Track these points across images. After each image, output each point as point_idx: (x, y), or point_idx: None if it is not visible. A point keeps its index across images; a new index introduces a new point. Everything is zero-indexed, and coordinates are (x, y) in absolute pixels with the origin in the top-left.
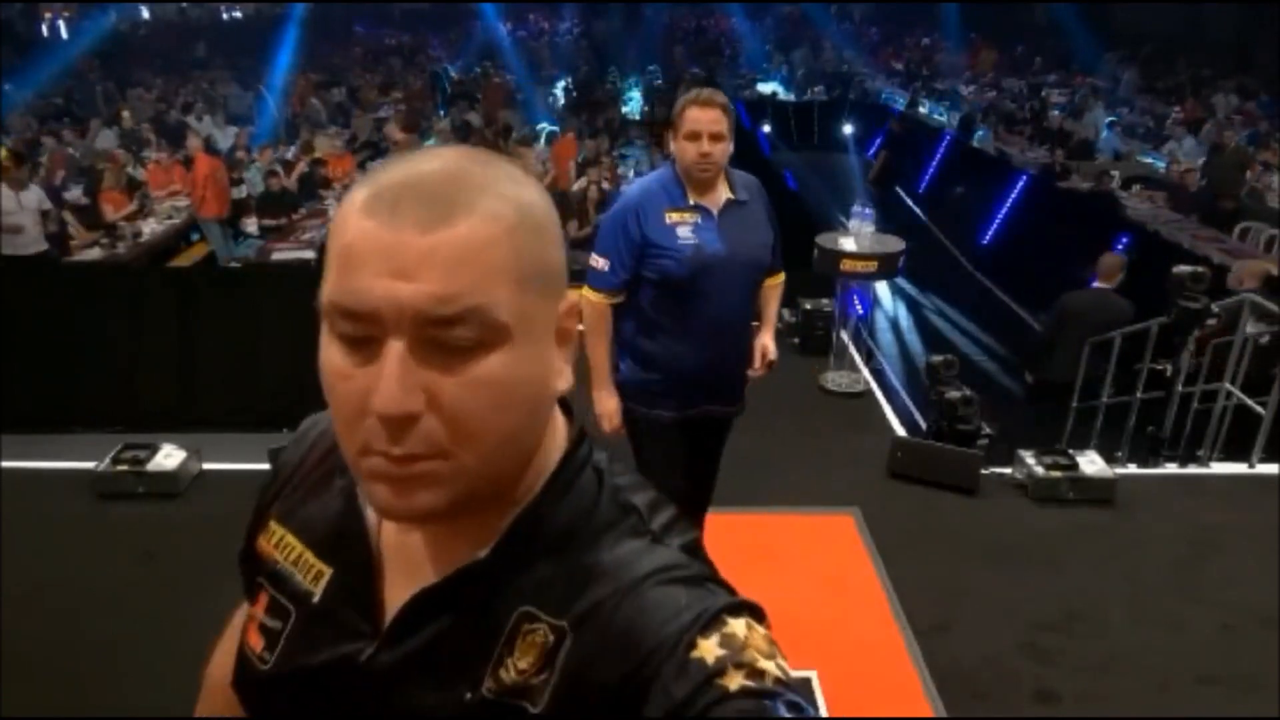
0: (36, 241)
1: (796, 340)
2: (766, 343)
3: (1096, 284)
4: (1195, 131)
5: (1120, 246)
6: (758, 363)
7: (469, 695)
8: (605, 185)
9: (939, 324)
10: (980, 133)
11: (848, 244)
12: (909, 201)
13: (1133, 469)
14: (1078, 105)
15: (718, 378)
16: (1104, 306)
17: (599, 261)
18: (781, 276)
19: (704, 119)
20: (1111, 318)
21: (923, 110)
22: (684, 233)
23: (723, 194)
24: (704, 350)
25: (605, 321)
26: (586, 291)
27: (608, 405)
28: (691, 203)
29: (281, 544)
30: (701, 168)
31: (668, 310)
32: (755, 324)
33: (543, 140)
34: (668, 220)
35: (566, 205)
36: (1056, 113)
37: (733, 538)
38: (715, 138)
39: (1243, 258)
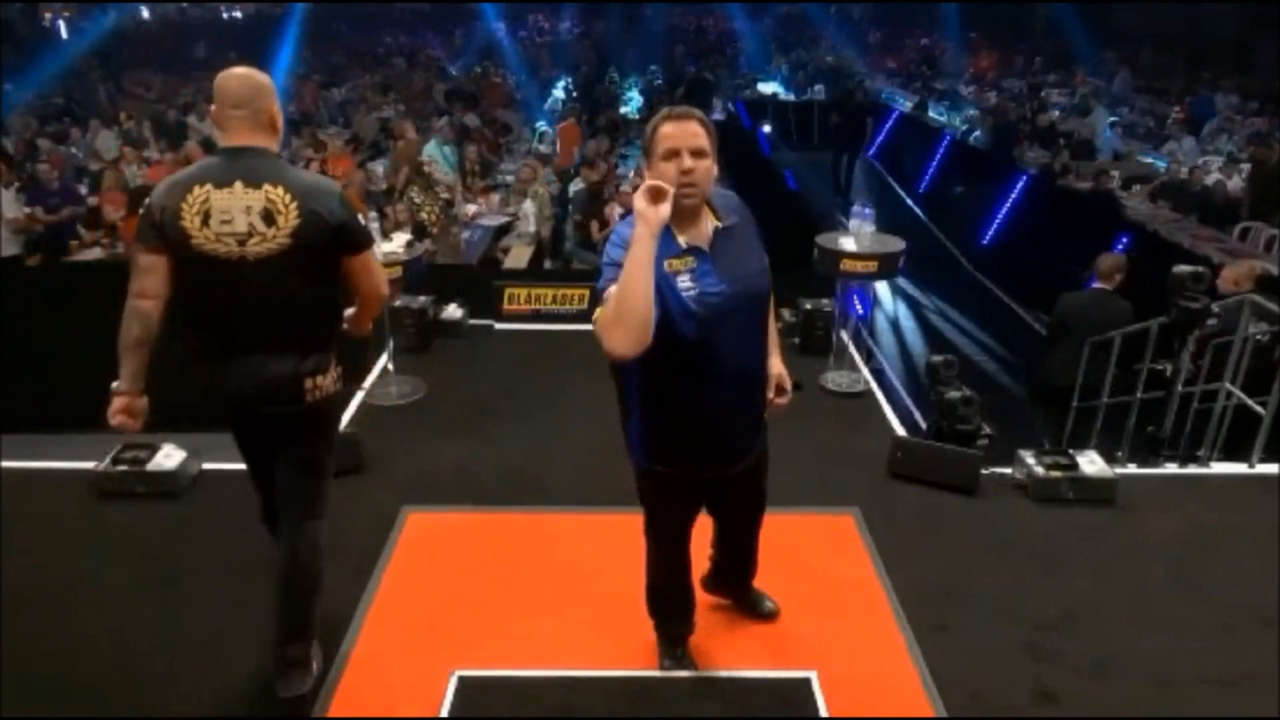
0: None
1: (796, 340)
2: (781, 370)
3: (1096, 284)
4: (1195, 132)
5: (1120, 246)
6: (772, 392)
7: None
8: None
9: (939, 324)
10: (977, 133)
11: (848, 244)
12: (909, 201)
13: (1133, 469)
14: (1080, 105)
15: (744, 428)
16: (1103, 308)
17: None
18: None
19: (681, 134)
20: (1110, 319)
21: (933, 116)
22: (685, 284)
23: (709, 225)
24: (723, 405)
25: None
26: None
27: (647, 205)
28: (684, 245)
29: None
30: (685, 191)
31: (677, 369)
32: None
33: (538, 139)
34: (667, 270)
35: (565, 205)
36: (1057, 113)
37: None
38: (697, 153)
39: (1242, 258)
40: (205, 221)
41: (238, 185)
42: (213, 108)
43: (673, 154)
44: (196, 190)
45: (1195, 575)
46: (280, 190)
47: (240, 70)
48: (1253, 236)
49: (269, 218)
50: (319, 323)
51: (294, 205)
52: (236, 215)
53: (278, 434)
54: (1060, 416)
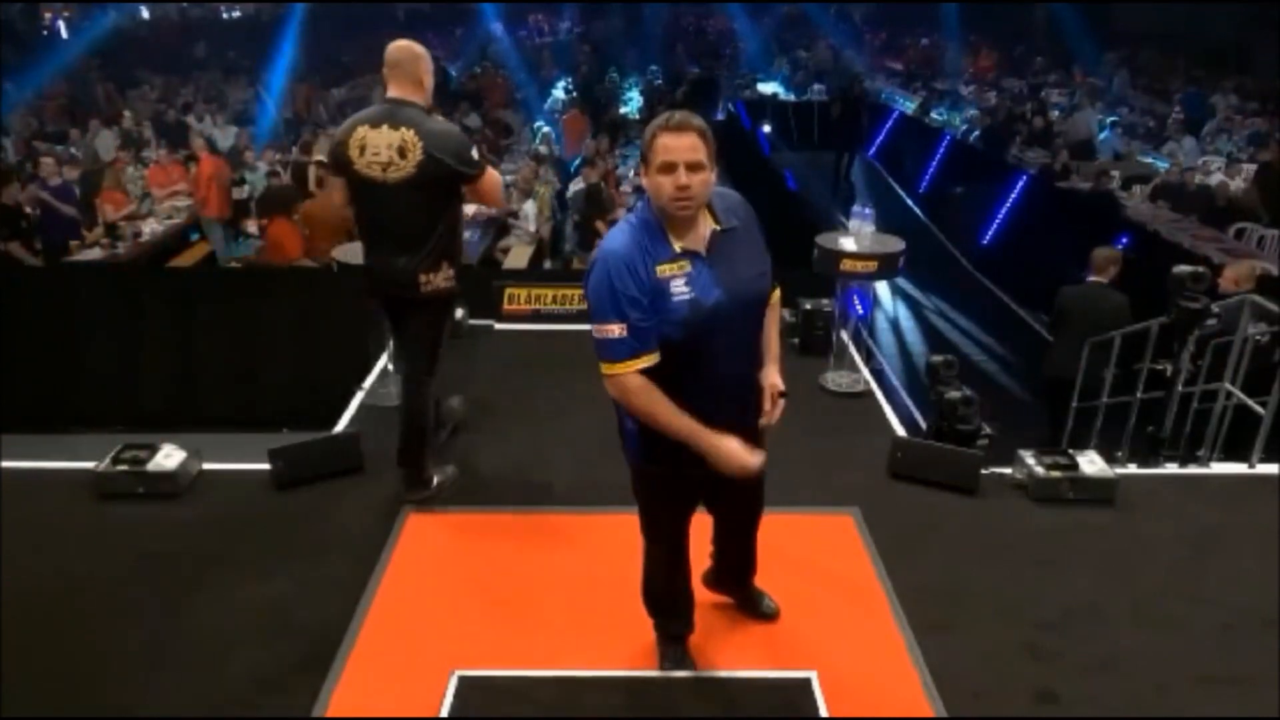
0: None
1: (796, 340)
2: (774, 380)
3: (1091, 278)
4: (1195, 131)
5: (1120, 246)
6: (767, 404)
7: None
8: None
9: (939, 324)
10: (977, 133)
11: (848, 244)
12: (909, 201)
13: (1133, 469)
14: (1074, 105)
15: (739, 429)
16: (1099, 300)
17: (612, 329)
18: (777, 292)
19: (678, 147)
20: (1107, 311)
21: (934, 116)
22: (678, 287)
23: (706, 228)
24: (715, 415)
25: (648, 390)
26: (610, 370)
27: (728, 447)
28: (678, 250)
29: None
30: (680, 204)
31: (671, 373)
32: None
33: (538, 139)
34: (659, 275)
35: (565, 204)
36: (1057, 113)
37: None
38: (693, 167)
39: (1242, 258)
40: (361, 152)
41: (385, 127)
42: (385, 70)
43: (669, 168)
44: (359, 130)
45: (1195, 575)
46: (412, 134)
47: (403, 42)
48: (1247, 236)
49: (402, 153)
50: (436, 233)
51: (420, 145)
52: (382, 149)
53: (404, 312)
54: (1061, 412)
